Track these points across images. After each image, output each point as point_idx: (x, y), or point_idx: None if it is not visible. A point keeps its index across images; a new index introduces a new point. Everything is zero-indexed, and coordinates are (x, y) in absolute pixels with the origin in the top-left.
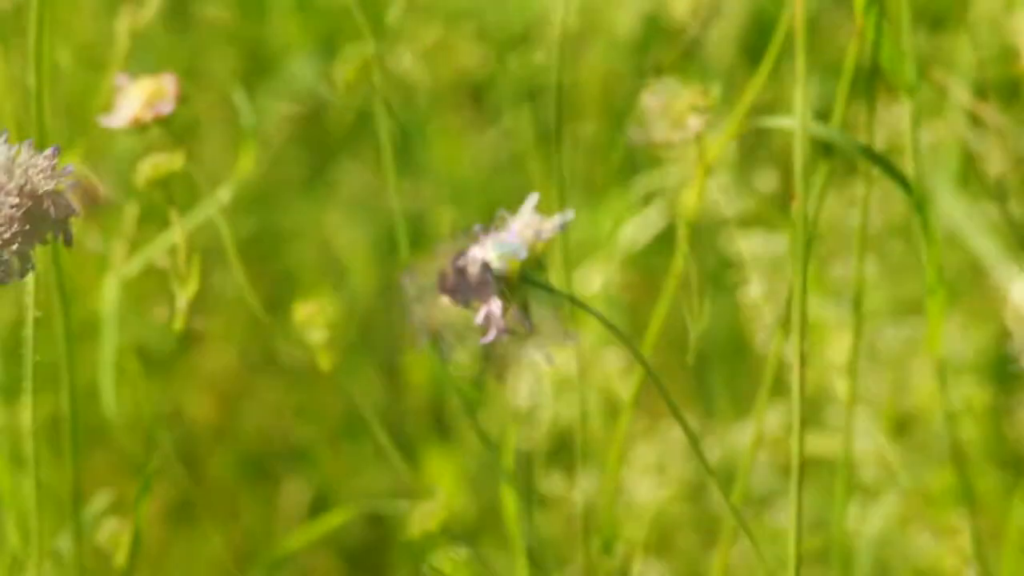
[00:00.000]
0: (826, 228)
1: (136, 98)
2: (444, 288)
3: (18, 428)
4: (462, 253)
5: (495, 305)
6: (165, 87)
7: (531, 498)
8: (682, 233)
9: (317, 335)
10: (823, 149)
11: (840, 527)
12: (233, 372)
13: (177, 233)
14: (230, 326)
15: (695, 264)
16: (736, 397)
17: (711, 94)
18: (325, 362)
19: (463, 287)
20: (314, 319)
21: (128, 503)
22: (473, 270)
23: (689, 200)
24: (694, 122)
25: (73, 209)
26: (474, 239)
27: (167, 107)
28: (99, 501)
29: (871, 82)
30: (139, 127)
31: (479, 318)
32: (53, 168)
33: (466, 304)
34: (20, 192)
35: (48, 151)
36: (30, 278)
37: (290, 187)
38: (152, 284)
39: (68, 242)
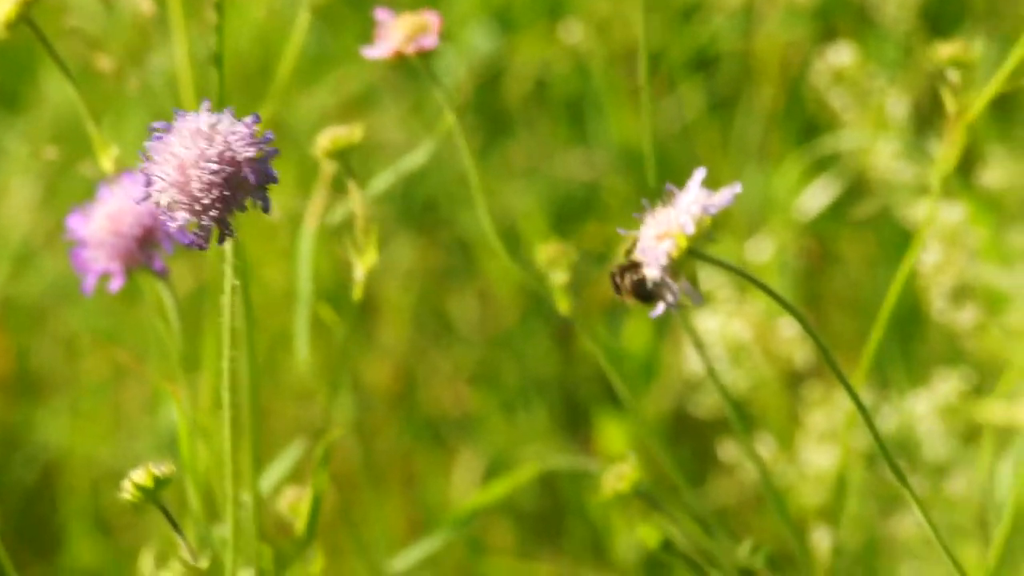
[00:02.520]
0: (1006, 194)
1: (398, 32)
2: (626, 276)
3: (196, 396)
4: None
5: (665, 279)
6: (428, 22)
7: (705, 466)
8: (935, 191)
9: (559, 277)
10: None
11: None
12: (408, 341)
13: (356, 203)
14: (405, 295)
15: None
16: (912, 365)
17: (973, 49)
18: (564, 305)
19: (636, 265)
20: (557, 261)
21: (306, 468)
22: (642, 250)
23: (947, 159)
24: (952, 76)
25: (272, 176)
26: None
27: (430, 41)
28: (277, 469)
29: None
30: (400, 60)
31: (649, 292)
32: (253, 135)
33: (651, 287)
34: (220, 159)
35: (248, 119)
36: (228, 245)
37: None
38: (324, 258)
39: (266, 209)
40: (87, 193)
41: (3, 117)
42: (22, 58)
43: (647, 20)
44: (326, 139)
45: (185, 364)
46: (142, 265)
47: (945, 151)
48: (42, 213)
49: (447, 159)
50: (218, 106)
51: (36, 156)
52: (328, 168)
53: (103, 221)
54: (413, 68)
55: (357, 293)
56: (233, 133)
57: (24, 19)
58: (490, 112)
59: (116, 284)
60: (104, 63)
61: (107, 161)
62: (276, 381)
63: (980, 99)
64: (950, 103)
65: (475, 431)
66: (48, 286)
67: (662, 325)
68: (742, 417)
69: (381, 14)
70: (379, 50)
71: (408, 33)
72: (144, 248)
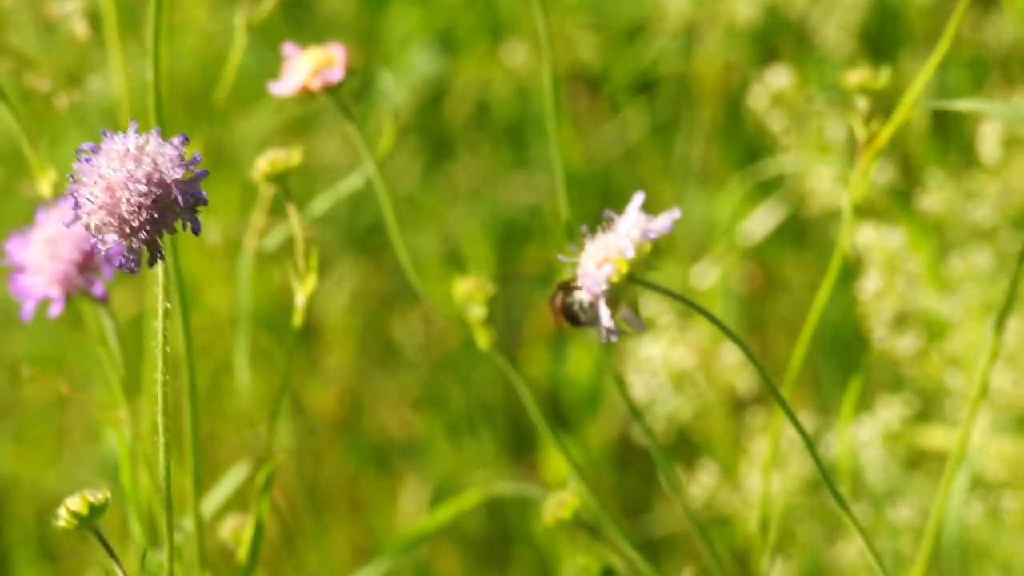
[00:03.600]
0: (945, 219)
1: (304, 67)
2: (558, 297)
3: (138, 422)
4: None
5: (603, 308)
6: (333, 55)
7: (651, 492)
8: (847, 217)
9: (477, 312)
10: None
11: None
12: (352, 365)
13: (295, 227)
14: (349, 319)
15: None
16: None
17: (881, 77)
18: (483, 339)
19: (575, 291)
20: (473, 296)
21: (249, 493)
22: (582, 276)
23: (856, 185)
24: (861, 104)
25: (202, 197)
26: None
27: (336, 75)
28: (219, 495)
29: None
30: (307, 95)
31: (577, 314)
32: (181, 157)
33: (578, 309)
34: (149, 180)
35: (176, 139)
36: (159, 267)
37: (409, 178)
38: (267, 281)
39: (196, 231)
40: (26, 217)
41: None
42: None
43: (548, 27)
44: (265, 162)
45: (126, 390)
46: (82, 290)
47: (855, 178)
48: None
49: (390, 182)
50: (161, 130)
51: None
52: (268, 192)
53: (41, 246)
54: (358, 88)
55: (298, 318)
56: (161, 154)
57: None
58: (432, 134)
59: (56, 310)
60: (39, 83)
61: (45, 184)
62: (220, 406)
63: (888, 126)
64: (859, 130)
65: (421, 456)
66: None
67: (607, 351)
68: (685, 443)
69: (288, 49)
70: (285, 86)
71: (314, 68)
72: (83, 273)
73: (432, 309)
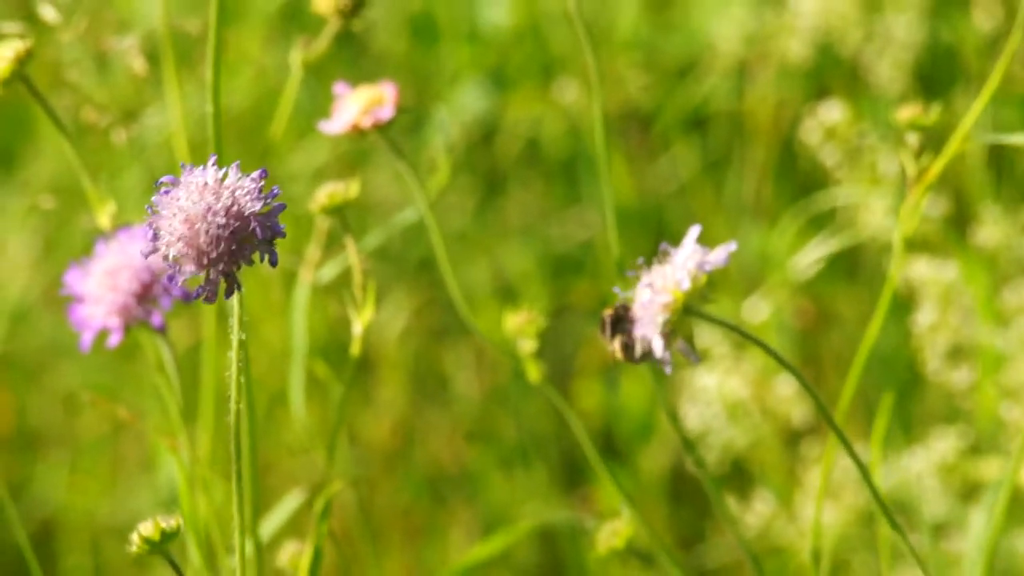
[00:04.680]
0: (1000, 252)
1: (355, 105)
2: (612, 324)
3: (195, 449)
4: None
5: (658, 339)
6: (384, 94)
7: (705, 523)
8: (898, 251)
9: (527, 345)
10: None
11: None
12: (405, 397)
13: (353, 258)
14: (402, 352)
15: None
16: (907, 423)
17: (932, 113)
18: (534, 372)
19: (630, 324)
20: (524, 329)
21: (304, 523)
22: (638, 307)
23: (906, 218)
24: (912, 139)
25: (280, 230)
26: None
27: (386, 113)
28: (276, 518)
29: None
30: (357, 133)
31: (644, 351)
32: (260, 190)
33: (632, 342)
34: (227, 213)
35: (255, 174)
36: (235, 299)
37: (461, 214)
38: (322, 313)
39: (274, 263)
40: (84, 249)
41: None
42: (17, 114)
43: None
44: (323, 195)
45: (183, 419)
46: (140, 321)
47: (905, 213)
48: (39, 269)
49: (442, 218)
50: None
51: (33, 211)
52: (323, 224)
53: (101, 277)
54: (410, 125)
55: (356, 348)
56: (240, 188)
57: (19, 76)
58: (484, 171)
59: (114, 340)
60: (97, 118)
61: (104, 217)
62: (274, 437)
63: (939, 161)
64: (909, 166)
65: (473, 487)
66: (46, 342)
67: (659, 383)
68: (740, 474)
69: (339, 87)
70: (335, 125)
71: (365, 106)
72: (142, 304)
73: (484, 343)
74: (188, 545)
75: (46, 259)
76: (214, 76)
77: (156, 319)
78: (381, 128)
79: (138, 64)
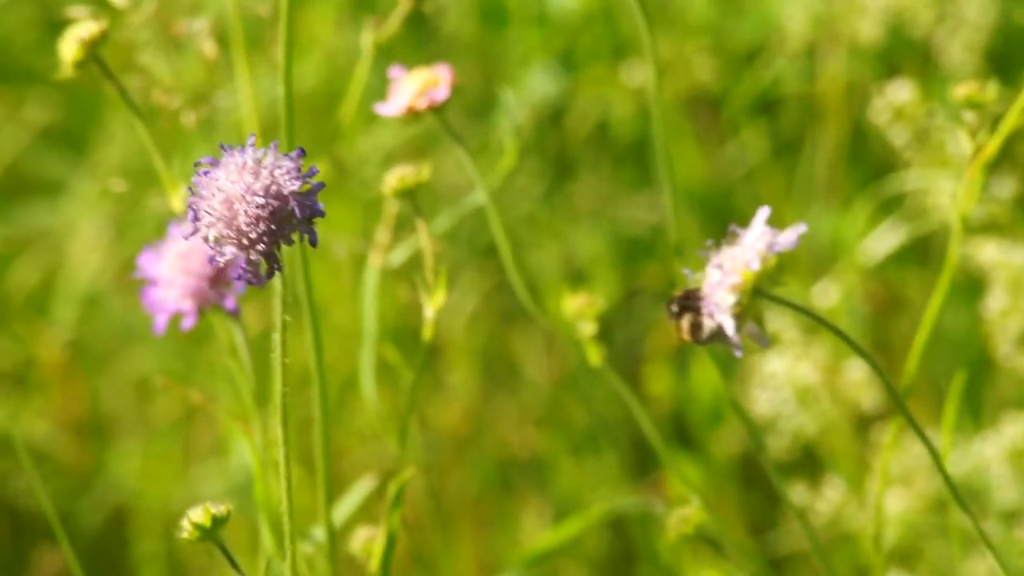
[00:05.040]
0: None
1: (410, 87)
2: (680, 306)
3: (268, 434)
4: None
5: (728, 322)
6: (439, 76)
7: (776, 509)
8: (957, 231)
9: (587, 328)
10: None
11: None
12: (475, 383)
13: (424, 242)
14: (471, 338)
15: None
16: (980, 409)
17: (989, 90)
18: (594, 355)
19: (698, 305)
20: (584, 312)
21: (374, 508)
22: (707, 288)
23: (964, 198)
24: (969, 117)
25: (318, 209)
26: (709, 256)
27: (441, 95)
28: (348, 503)
29: None
30: (413, 116)
31: (704, 335)
32: (299, 169)
33: (700, 322)
34: (266, 192)
35: (294, 153)
36: (278, 279)
37: (529, 197)
38: (391, 298)
39: (313, 243)
40: (157, 232)
41: (71, 157)
42: (88, 99)
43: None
44: (394, 178)
45: (256, 403)
46: (214, 304)
47: (963, 191)
48: (111, 253)
49: (511, 202)
50: (287, 146)
51: (105, 194)
52: (392, 207)
53: (174, 260)
54: (478, 107)
55: (427, 332)
56: (279, 167)
57: (92, 58)
58: (553, 154)
59: (188, 323)
60: (168, 100)
61: (177, 200)
62: (345, 422)
63: (995, 139)
64: (966, 144)
65: (544, 474)
66: (118, 327)
67: (731, 367)
68: (810, 460)
69: (394, 71)
70: (391, 107)
71: (420, 88)
72: (216, 287)
73: (550, 328)
74: (261, 529)
75: (118, 242)
76: (285, 58)
77: (229, 302)
78: (436, 110)
79: (208, 47)
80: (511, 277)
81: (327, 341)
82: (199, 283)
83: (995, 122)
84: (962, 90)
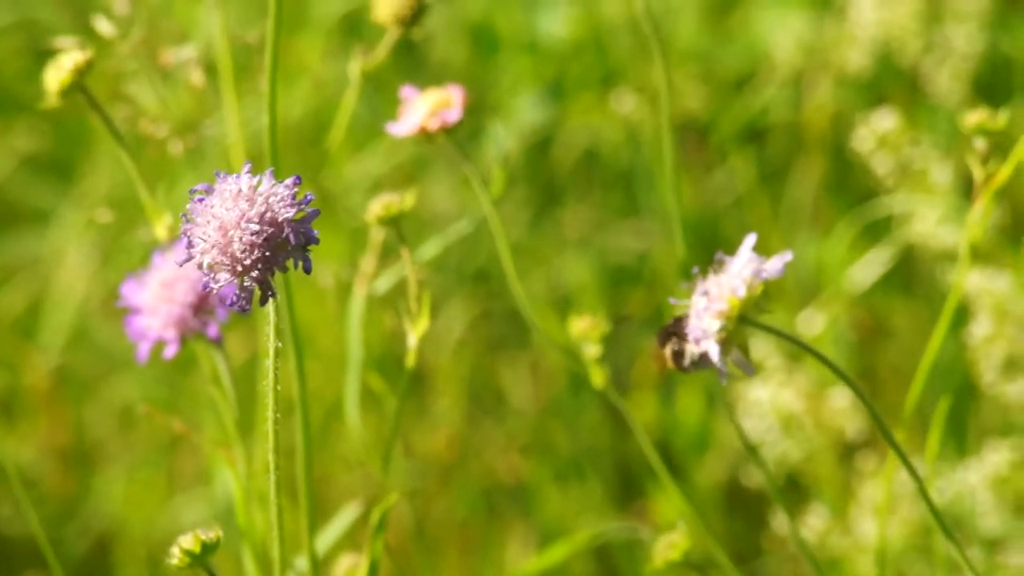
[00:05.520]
0: None
1: (422, 108)
2: (666, 333)
3: (251, 462)
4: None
5: (713, 348)
6: (451, 97)
7: (759, 536)
8: (964, 257)
9: (591, 350)
10: None
11: None
12: (461, 410)
13: (408, 269)
14: (457, 365)
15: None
16: (962, 435)
17: (999, 118)
18: (597, 378)
19: (682, 332)
20: (588, 334)
21: (360, 536)
22: (693, 315)
23: (973, 225)
24: (979, 144)
25: (313, 236)
26: (695, 283)
27: (453, 116)
28: (332, 531)
29: None
30: (424, 136)
31: (698, 361)
32: (294, 197)
33: (683, 349)
34: (261, 219)
35: (289, 180)
36: (271, 307)
37: (517, 225)
38: (377, 325)
39: (307, 269)
40: (141, 261)
41: (58, 185)
42: (75, 128)
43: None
44: (378, 206)
45: (239, 430)
46: (196, 332)
47: (973, 218)
48: (97, 281)
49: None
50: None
51: (91, 223)
52: (378, 235)
53: (157, 288)
54: (467, 135)
55: (411, 359)
56: (274, 194)
57: (78, 87)
58: (541, 181)
59: (171, 351)
60: (155, 130)
61: (161, 228)
62: (330, 449)
63: (1006, 166)
64: (977, 171)
65: (528, 501)
66: (104, 354)
67: (719, 394)
68: (794, 487)
69: (406, 91)
70: (403, 127)
71: (431, 109)
72: (198, 315)
73: (542, 352)
74: (244, 558)
75: (104, 270)
76: (271, 87)
77: (212, 331)
78: (448, 131)
79: (196, 75)
80: (514, 294)
81: (312, 368)
82: (182, 311)
83: (986, 154)
84: (973, 117)
